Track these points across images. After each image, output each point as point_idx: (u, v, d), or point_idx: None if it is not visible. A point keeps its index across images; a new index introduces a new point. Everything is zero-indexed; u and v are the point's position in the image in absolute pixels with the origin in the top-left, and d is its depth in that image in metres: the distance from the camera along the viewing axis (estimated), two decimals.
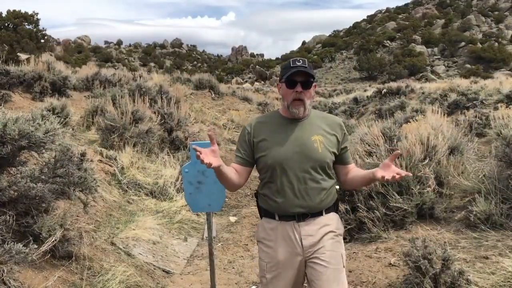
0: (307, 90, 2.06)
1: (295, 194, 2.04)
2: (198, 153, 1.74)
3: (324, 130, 2.11)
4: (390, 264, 3.47)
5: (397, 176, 1.86)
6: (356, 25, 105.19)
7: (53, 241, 2.84)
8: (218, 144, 8.20)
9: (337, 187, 2.21)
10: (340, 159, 2.17)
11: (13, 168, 3.07)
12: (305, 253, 2.06)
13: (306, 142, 2.06)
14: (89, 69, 13.27)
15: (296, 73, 2.03)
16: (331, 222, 2.13)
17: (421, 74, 57.91)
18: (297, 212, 2.05)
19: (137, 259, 3.84)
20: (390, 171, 1.90)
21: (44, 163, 3.17)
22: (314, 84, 2.10)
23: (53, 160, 3.13)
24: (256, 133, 2.12)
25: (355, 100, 20.14)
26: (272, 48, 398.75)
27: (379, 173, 1.92)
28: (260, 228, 2.20)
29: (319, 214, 2.09)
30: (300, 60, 2.07)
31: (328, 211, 2.13)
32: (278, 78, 2.22)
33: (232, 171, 2.04)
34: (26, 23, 21.30)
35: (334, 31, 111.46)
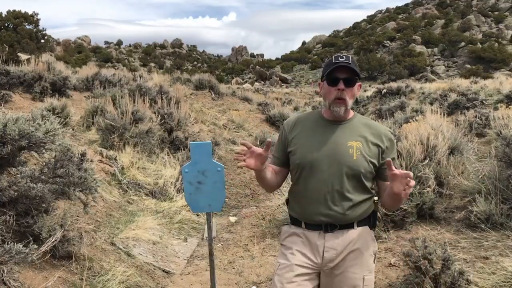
0: (349, 88, 1.89)
1: (319, 200, 1.90)
2: (243, 151, 1.87)
3: (365, 137, 1.93)
4: (390, 264, 3.47)
5: (407, 188, 1.68)
6: (356, 25, 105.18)
7: (53, 241, 2.84)
8: (218, 144, 8.26)
9: (376, 198, 2.03)
10: (381, 173, 1.96)
11: (13, 168, 3.07)
12: (324, 266, 1.94)
13: (340, 147, 1.90)
14: (89, 69, 13.27)
15: (338, 69, 1.87)
16: (361, 238, 1.95)
17: (421, 74, 57.90)
18: (323, 221, 1.91)
19: (137, 259, 3.84)
20: (398, 183, 1.72)
21: (44, 163, 3.17)
22: (358, 83, 1.93)
23: (53, 160, 3.13)
24: (291, 130, 2.03)
25: (355, 100, 20.08)
26: (273, 48, 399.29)
27: (394, 188, 1.74)
28: (283, 231, 2.10)
29: (350, 226, 1.93)
30: (344, 56, 1.90)
31: (361, 224, 1.96)
32: (320, 78, 2.05)
33: (271, 173, 2.03)
34: (26, 23, 21.31)
35: (334, 31, 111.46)
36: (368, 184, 1.94)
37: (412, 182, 1.69)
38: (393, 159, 1.96)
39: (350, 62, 1.87)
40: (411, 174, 1.70)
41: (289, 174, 2.12)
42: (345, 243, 1.92)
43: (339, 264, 1.93)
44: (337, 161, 1.88)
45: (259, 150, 1.87)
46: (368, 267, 1.96)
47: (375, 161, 1.92)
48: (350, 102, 1.91)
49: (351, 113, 2.00)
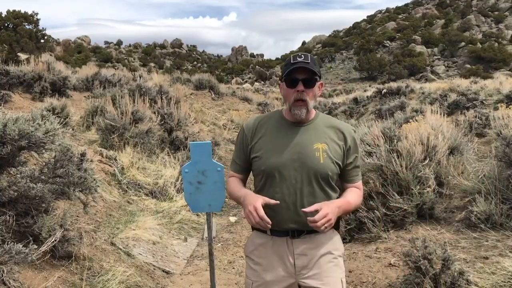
0: (309, 89, 1.81)
1: (289, 207, 1.82)
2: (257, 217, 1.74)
3: (330, 138, 1.87)
4: (390, 264, 3.47)
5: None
6: (356, 25, 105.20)
7: (53, 241, 2.84)
8: (218, 144, 8.26)
9: None
10: (343, 175, 1.93)
11: (13, 168, 3.07)
12: (298, 275, 1.85)
13: (306, 150, 1.83)
14: (89, 69, 13.28)
15: (296, 69, 1.79)
16: (330, 241, 1.90)
17: (421, 74, 57.96)
18: (291, 228, 1.84)
19: (137, 259, 3.84)
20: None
21: (44, 163, 3.17)
22: (319, 82, 1.87)
23: (53, 160, 3.13)
24: (252, 135, 1.93)
25: (355, 100, 20.14)
26: (273, 48, 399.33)
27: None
28: (249, 242, 2.00)
29: (316, 231, 1.84)
30: (302, 56, 1.83)
31: None
32: (279, 78, 2.04)
33: (240, 185, 1.99)
34: (26, 23, 21.29)
35: (334, 31, 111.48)
36: (334, 185, 1.90)
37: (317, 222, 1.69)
38: (356, 157, 1.94)
39: (309, 61, 1.80)
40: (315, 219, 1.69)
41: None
42: (315, 248, 1.87)
43: (314, 270, 1.86)
44: (304, 165, 1.82)
45: None
46: (341, 268, 1.93)
47: (340, 162, 1.88)
48: (311, 103, 1.84)
49: (313, 112, 1.93)
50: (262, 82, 60.08)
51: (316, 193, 1.83)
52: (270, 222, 1.73)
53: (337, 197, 1.92)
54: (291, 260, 1.86)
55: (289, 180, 1.83)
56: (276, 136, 1.89)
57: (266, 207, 1.85)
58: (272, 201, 1.78)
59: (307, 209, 1.72)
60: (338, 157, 1.87)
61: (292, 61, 1.82)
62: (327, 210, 1.69)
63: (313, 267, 1.86)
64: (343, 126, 1.95)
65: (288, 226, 1.85)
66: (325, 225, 1.68)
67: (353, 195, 1.92)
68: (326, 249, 1.88)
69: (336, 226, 1.96)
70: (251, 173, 2.04)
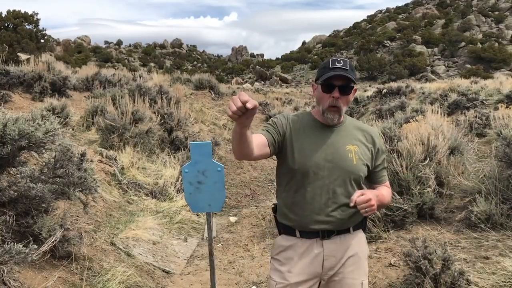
0: (345, 96, 1.81)
1: (321, 207, 1.83)
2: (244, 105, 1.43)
3: (359, 140, 1.91)
4: (390, 264, 3.47)
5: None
6: (356, 25, 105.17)
7: (53, 241, 2.84)
8: (218, 144, 8.26)
9: None
10: (372, 177, 1.96)
11: (13, 168, 3.07)
12: (323, 275, 1.88)
13: (339, 151, 1.85)
14: (89, 69, 13.28)
15: (334, 76, 1.79)
16: (357, 243, 1.93)
17: (421, 74, 57.95)
18: (322, 229, 1.85)
19: (137, 259, 3.84)
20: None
21: (44, 163, 3.17)
22: (354, 88, 1.86)
23: (53, 160, 3.13)
24: (290, 126, 1.89)
25: (355, 100, 20.11)
26: (273, 48, 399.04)
27: None
28: (275, 245, 1.99)
29: (346, 231, 1.90)
30: (341, 61, 1.80)
31: (356, 228, 1.94)
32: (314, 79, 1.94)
33: (252, 137, 1.71)
34: (26, 23, 21.27)
35: (334, 31, 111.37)
36: (364, 186, 1.93)
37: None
38: (384, 159, 2.00)
39: (347, 68, 1.79)
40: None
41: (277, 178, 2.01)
42: (344, 249, 1.88)
43: (338, 271, 1.88)
44: (338, 166, 1.83)
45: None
46: (364, 271, 1.95)
47: (370, 164, 1.92)
48: (344, 109, 1.85)
49: (343, 116, 1.95)
50: (262, 82, 60.05)
51: (348, 193, 1.82)
52: (256, 103, 1.46)
53: None
54: (320, 261, 1.87)
55: (322, 180, 1.83)
56: (309, 136, 1.88)
57: (295, 205, 1.86)
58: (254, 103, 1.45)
59: (353, 197, 1.68)
60: (368, 159, 1.91)
61: (330, 66, 1.80)
62: (370, 195, 1.67)
63: (338, 269, 1.88)
64: (371, 129, 2.02)
65: (318, 227, 1.85)
66: (366, 209, 1.66)
67: (384, 191, 1.94)
68: (353, 250, 1.91)
69: (363, 227, 2.01)
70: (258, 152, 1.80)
